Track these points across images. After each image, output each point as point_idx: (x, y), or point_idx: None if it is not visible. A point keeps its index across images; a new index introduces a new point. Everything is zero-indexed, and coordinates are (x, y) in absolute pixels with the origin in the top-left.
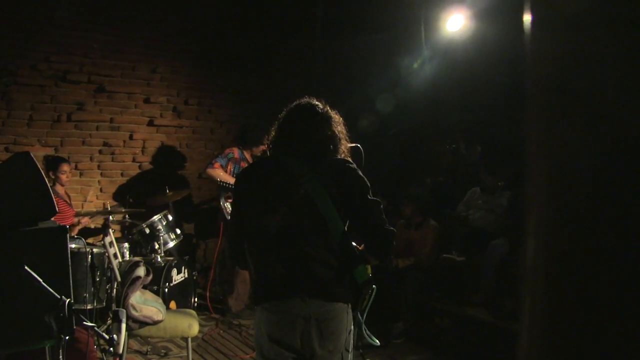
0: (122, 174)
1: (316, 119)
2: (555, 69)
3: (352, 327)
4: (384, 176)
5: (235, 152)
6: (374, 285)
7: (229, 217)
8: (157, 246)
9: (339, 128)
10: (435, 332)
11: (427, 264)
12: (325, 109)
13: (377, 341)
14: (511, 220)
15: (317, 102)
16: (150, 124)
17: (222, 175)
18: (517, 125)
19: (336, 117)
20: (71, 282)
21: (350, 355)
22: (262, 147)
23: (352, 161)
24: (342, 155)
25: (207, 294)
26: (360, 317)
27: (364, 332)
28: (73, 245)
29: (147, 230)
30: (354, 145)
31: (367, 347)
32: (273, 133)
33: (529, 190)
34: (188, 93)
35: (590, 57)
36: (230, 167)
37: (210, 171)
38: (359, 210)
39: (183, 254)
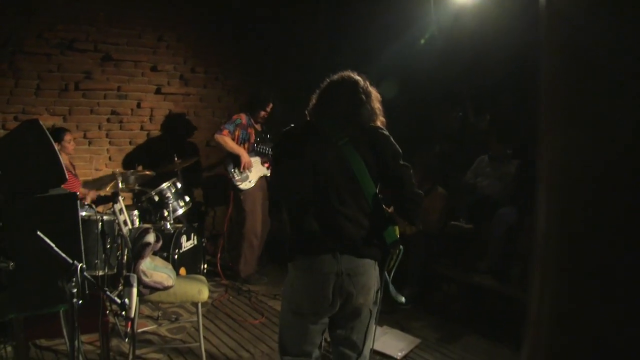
0: (130, 142)
1: (358, 94)
2: (570, 35)
3: (379, 284)
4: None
5: (243, 119)
6: (401, 246)
7: (238, 183)
8: (166, 213)
9: (377, 105)
10: (442, 299)
11: (434, 231)
12: (366, 85)
13: (403, 298)
14: (519, 188)
15: (359, 77)
16: (158, 92)
17: (230, 143)
18: (526, 94)
19: (375, 93)
20: (82, 247)
21: (377, 310)
22: (263, 113)
23: (385, 129)
24: None
25: (218, 262)
26: (387, 275)
27: (391, 289)
28: (83, 213)
29: (156, 198)
30: None
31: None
32: (314, 101)
33: (539, 165)
34: (194, 61)
35: (604, 23)
36: (237, 133)
37: (218, 137)
38: (391, 174)
39: (192, 221)
